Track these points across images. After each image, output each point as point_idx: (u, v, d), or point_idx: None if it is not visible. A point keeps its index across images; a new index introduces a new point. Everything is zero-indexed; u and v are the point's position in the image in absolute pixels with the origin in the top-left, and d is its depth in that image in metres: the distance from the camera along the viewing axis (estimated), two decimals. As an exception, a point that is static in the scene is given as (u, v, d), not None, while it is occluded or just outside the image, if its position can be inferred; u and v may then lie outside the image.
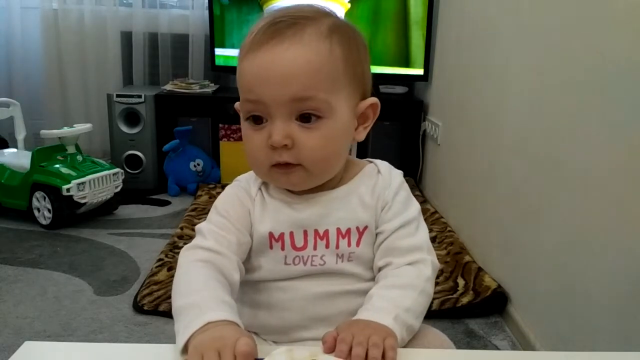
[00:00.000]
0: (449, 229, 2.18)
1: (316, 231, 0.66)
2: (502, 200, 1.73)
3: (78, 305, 1.69)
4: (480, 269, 1.79)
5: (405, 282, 0.63)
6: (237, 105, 0.68)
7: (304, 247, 0.66)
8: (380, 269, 0.66)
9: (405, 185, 0.71)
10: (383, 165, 0.72)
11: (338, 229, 0.66)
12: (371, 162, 0.72)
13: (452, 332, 1.55)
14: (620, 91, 1.13)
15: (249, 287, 0.70)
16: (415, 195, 0.71)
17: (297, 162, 0.62)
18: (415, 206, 0.70)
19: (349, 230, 0.67)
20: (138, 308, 1.64)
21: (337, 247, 0.66)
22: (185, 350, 0.52)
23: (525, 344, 1.47)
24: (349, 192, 0.68)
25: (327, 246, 0.66)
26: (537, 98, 1.52)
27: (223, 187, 2.63)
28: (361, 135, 0.68)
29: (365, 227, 0.67)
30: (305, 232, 0.66)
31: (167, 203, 2.64)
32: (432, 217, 2.31)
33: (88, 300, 1.72)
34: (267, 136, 0.61)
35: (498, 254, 1.75)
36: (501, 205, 1.73)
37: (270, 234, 0.67)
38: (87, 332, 1.54)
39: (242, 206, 0.68)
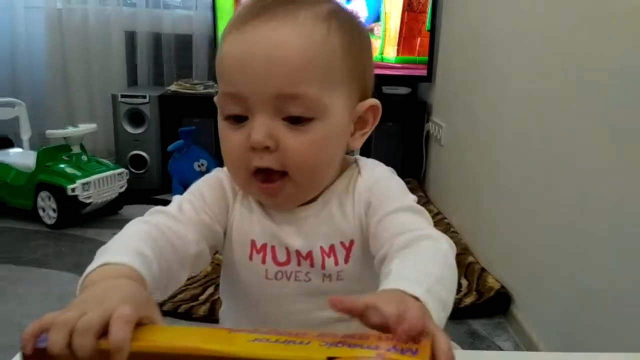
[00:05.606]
0: (452, 229, 2.18)
1: (298, 252, 0.58)
2: (505, 202, 1.73)
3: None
4: (483, 270, 1.79)
5: (424, 252, 0.49)
6: (215, 99, 0.58)
7: (287, 263, 0.58)
8: (383, 259, 0.52)
9: (394, 178, 0.60)
10: (366, 164, 0.61)
11: (322, 248, 0.57)
12: (355, 160, 0.62)
13: (455, 333, 1.55)
14: (619, 91, 1.13)
15: (237, 311, 0.65)
16: (418, 197, 0.62)
17: (280, 168, 0.53)
18: (410, 197, 0.58)
19: (333, 248, 0.58)
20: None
21: (323, 267, 0.57)
22: None
23: (528, 345, 1.47)
24: (327, 202, 0.59)
25: (311, 265, 0.58)
26: (538, 99, 1.52)
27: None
28: (358, 143, 0.59)
29: (352, 242, 0.58)
30: (287, 250, 0.58)
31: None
32: (435, 218, 2.31)
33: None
34: (247, 136, 0.52)
35: (501, 254, 1.75)
36: (504, 206, 1.73)
37: (253, 242, 0.59)
38: (91, 331, 1.54)
39: (223, 198, 0.60)
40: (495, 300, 1.64)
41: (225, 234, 0.60)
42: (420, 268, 0.45)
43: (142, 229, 0.52)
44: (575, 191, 1.30)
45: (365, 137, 0.60)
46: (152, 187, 2.80)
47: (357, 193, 0.58)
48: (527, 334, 1.49)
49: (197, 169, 2.77)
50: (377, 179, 0.59)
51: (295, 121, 0.52)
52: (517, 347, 1.51)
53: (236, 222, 0.59)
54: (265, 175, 0.54)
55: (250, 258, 0.59)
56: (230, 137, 0.54)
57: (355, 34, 0.57)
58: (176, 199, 0.59)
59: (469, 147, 2.14)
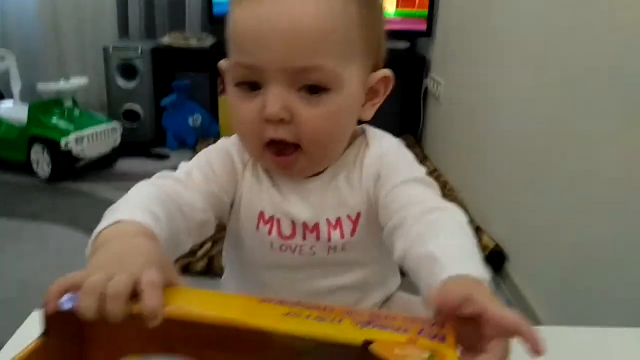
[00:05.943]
0: (448, 187, 2.18)
1: (305, 224, 0.58)
2: (504, 161, 1.72)
3: (81, 260, 1.70)
4: (478, 228, 1.80)
5: (451, 228, 0.49)
6: (223, 64, 0.56)
7: (292, 237, 0.58)
8: (394, 231, 0.52)
9: (403, 151, 0.61)
10: (374, 135, 0.61)
11: (328, 221, 0.58)
12: (364, 131, 0.62)
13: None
14: (625, 54, 1.11)
15: (241, 277, 0.66)
16: (414, 153, 0.63)
17: (294, 140, 0.52)
18: (419, 169, 0.59)
19: (339, 221, 0.58)
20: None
21: (329, 239, 0.58)
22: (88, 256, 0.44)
23: (522, 304, 1.49)
24: (335, 174, 0.59)
25: (317, 238, 0.58)
26: (541, 57, 1.49)
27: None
28: (368, 114, 0.58)
29: (359, 215, 0.58)
30: (294, 223, 0.58)
31: (166, 157, 2.64)
32: (431, 176, 2.30)
33: (89, 254, 1.73)
34: (261, 107, 0.51)
35: (497, 213, 1.76)
36: (503, 165, 1.73)
37: (261, 214, 0.59)
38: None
39: (232, 169, 0.59)
40: (489, 259, 1.65)
41: (232, 204, 0.60)
42: (462, 247, 0.46)
43: (152, 191, 0.51)
44: (575, 152, 1.29)
45: (376, 107, 0.59)
46: (146, 140, 2.77)
47: (366, 166, 0.58)
48: (520, 293, 1.51)
49: (192, 124, 2.75)
50: (386, 151, 0.59)
51: (311, 92, 0.51)
52: (510, 306, 1.52)
53: (245, 193, 0.59)
54: (278, 147, 0.53)
55: (257, 228, 0.59)
56: (243, 107, 0.53)
57: (371, 3, 0.55)
58: (183, 165, 0.59)
59: (468, 104, 2.11)
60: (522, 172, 1.58)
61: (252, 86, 0.52)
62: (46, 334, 0.35)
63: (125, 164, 2.50)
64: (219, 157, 0.60)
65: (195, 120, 2.74)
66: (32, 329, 0.53)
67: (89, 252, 0.43)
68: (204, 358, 0.38)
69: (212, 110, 2.79)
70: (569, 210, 1.30)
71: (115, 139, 2.42)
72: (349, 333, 0.34)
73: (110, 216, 0.45)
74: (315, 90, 0.51)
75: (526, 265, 1.54)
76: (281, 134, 0.52)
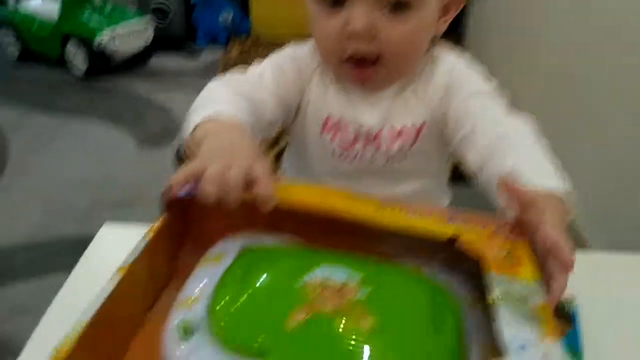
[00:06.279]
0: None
1: (368, 132, 0.60)
2: (552, 63, 1.65)
3: (120, 155, 1.75)
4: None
5: (520, 138, 0.51)
6: None
7: (354, 144, 0.60)
8: (463, 141, 0.55)
9: (472, 65, 0.61)
10: (443, 50, 0.62)
11: (390, 129, 0.59)
12: (433, 45, 0.62)
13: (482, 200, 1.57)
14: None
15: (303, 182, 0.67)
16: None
17: (375, 56, 0.54)
18: (488, 82, 0.59)
19: (402, 130, 0.59)
20: (181, 160, 1.70)
21: (389, 148, 0.60)
22: (188, 147, 0.47)
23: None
24: (404, 85, 0.60)
25: (377, 147, 0.60)
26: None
27: (254, 41, 2.55)
28: (441, 29, 0.59)
29: (422, 125, 0.59)
30: (357, 130, 0.60)
31: (198, 53, 2.62)
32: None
33: (131, 152, 1.77)
34: (344, 22, 0.52)
35: (539, 120, 1.71)
36: (551, 68, 1.65)
37: (327, 119, 0.61)
38: (129, 183, 1.58)
39: (300, 74, 0.61)
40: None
41: (298, 109, 0.62)
42: (542, 162, 0.48)
43: (229, 89, 0.54)
44: (630, 62, 1.22)
45: (447, 23, 0.59)
46: (176, 35, 2.73)
47: (434, 78, 0.60)
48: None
49: (222, 20, 2.68)
50: (455, 65, 0.60)
51: (395, 9, 0.52)
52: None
53: (312, 99, 0.61)
54: (358, 61, 0.55)
55: (321, 133, 0.61)
56: (324, 22, 0.54)
57: None
58: (254, 67, 0.61)
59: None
60: (571, 79, 1.51)
61: (335, 1, 0.52)
62: (166, 212, 0.42)
63: (159, 61, 2.48)
64: (289, 61, 0.61)
65: (226, 16, 2.67)
66: (104, 241, 0.58)
67: (190, 140, 0.47)
68: (304, 237, 0.45)
69: (243, 6, 2.71)
70: (618, 122, 1.26)
71: (148, 36, 2.40)
72: (436, 226, 0.38)
73: (202, 109, 0.48)
74: (398, 7, 0.52)
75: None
76: (363, 49, 0.53)
